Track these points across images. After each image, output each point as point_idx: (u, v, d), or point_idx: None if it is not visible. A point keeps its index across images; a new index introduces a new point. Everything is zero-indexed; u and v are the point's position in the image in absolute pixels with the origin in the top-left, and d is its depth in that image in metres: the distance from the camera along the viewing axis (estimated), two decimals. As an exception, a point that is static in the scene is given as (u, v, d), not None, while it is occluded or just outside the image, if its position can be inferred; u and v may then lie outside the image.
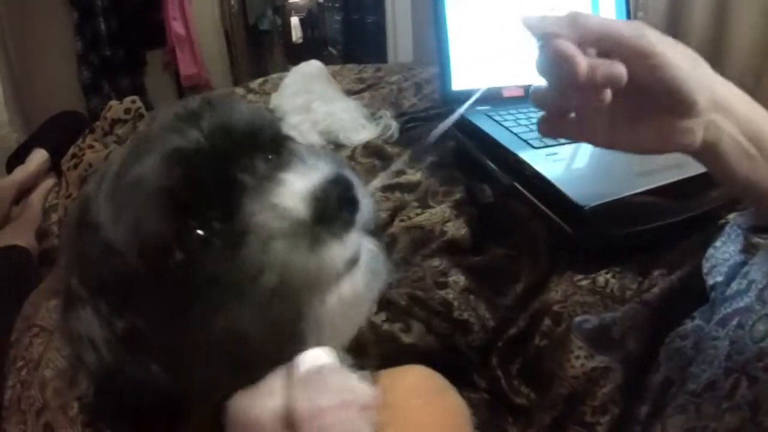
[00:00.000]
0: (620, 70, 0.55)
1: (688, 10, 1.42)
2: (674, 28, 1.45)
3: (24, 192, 1.81)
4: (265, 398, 0.40)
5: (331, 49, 5.01)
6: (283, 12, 5.58)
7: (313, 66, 1.76)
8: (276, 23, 5.33)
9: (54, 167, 1.88)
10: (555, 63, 0.56)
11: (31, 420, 0.90)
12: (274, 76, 1.98)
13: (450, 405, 0.64)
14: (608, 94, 0.57)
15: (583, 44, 0.56)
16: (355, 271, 0.47)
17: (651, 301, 0.79)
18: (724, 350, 0.63)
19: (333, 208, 0.44)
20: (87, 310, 0.47)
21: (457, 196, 1.12)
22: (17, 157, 1.92)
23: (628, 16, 1.40)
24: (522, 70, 1.29)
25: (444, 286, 0.94)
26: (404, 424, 0.56)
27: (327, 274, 0.44)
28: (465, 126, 1.15)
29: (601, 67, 0.55)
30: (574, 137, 0.66)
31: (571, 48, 0.55)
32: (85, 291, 0.48)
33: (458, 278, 0.95)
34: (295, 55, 4.86)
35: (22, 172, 1.83)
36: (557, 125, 0.65)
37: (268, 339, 0.44)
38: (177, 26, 3.60)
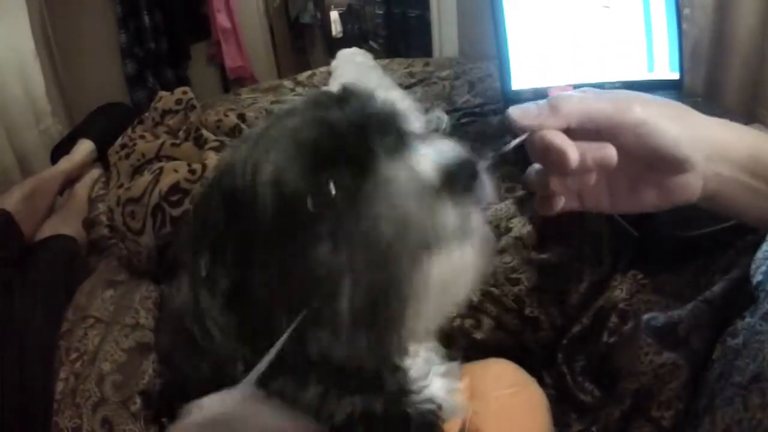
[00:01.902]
0: (610, 153, 0.55)
1: (735, 4, 1.38)
2: (720, 23, 1.41)
3: (69, 182, 1.81)
4: None
5: (372, 43, 4.99)
6: (323, 6, 5.58)
7: (355, 52, 1.73)
8: (317, 17, 5.33)
9: (100, 158, 1.88)
10: (545, 154, 0.55)
11: (87, 414, 0.88)
12: (322, 69, 1.96)
13: (533, 395, 0.71)
14: (593, 175, 0.58)
15: (570, 127, 0.56)
16: (467, 244, 0.49)
17: (713, 300, 0.80)
18: None
19: (459, 181, 0.46)
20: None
21: (520, 192, 1.10)
22: (63, 148, 1.92)
23: (678, 10, 1.37)
24: (576, 68, 1.29)
25: (516, 282, 0.95)
26: (497, 411, 0.62)
27: (442, 236, 0.46)
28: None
29: (589, 152, 0.55)
30: (576, 209, 0.64)
31: (559, 138, 0.54)
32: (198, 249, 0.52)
33: (529, 275, 0.95)
34: (336, 48, 4.85)
35: (67, 162, 1.83)
36: (555, 203, 0.62)
37: (380, 292, 0.46)
38: (222, 19, 3.61)
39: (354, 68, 1.61)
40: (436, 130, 1.35)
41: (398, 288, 0.46)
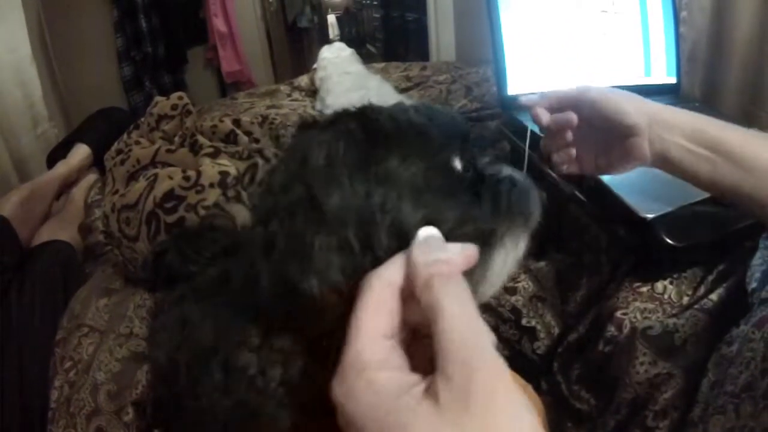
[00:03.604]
0: (570, 116, 0.81)
1: (733, 7, 1.38)
2: (718, 26, 1.41)
3: (66, 187, 1.80)
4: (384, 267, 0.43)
5: (369, 46, 4.99)
6: (320, 10, 5.58)
7: (339, 48, 1.74)
8: (314, 21, 5.33)
9: (96, 163, 1.87)
10: (535, 120, 0.84)
11: (81, 424, 0.88)
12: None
13: (531, 401, 0.67)
14: (569, 134, 0.84)
15: (553, 108, 0.83)
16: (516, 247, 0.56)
17: (710, 308, 0.81)
18: (760, 351, 0.65)
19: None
20: None
21: None
22: (59, 153, 1.92)
23: (675, 13, 1.38)
24: (573, 73, 1.29)
25: (513, 291, 0.94)
26: None
27: (512, 230, 0.54)
28: (521, 130, 1.12)
29: (558, 118, 0.82)
30: (575, 172, 0.88)
31: (539, 112, 0.83)
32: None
33: (527, 284, 0.95)
34: (334, 52, 4.86)
35: (64, 167, 1.82)
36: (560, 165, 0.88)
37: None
38: (219, 23, 3.61)
39: (350, 76, 1.60)
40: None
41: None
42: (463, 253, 0.44)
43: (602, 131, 0.80)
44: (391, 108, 0.56)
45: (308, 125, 0.56)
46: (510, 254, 0.55)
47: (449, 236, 0.46)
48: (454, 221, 0.49)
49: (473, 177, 0.55)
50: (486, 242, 0.52)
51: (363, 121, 0.53)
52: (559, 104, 0.83)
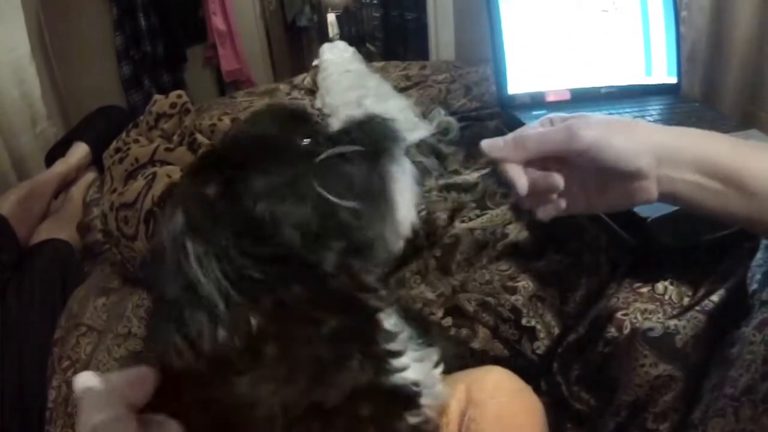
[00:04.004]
0: (555, 181, 0.69)
1: (732, 7, 1.38)
2: (718, 26, 1.41)
3: (65, 185, 1.80)
4: None
5: (369, 45, 4.98)
6: (320, 8, 5.57)
7: (341, 48, 1.74)
8: (313, 20, 5.32)
9: (95, 161, 1.87)
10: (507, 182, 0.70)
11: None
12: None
13: (531, 402, 0.71)
14: (554, 195, 0.72)
15: (529, 162, 0.69)
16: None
17: (711, 310, 0.80)
18: (761, 354, 0.64)
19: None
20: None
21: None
22: (57, 151, 1.91)
23: (676, 13, 1.38)
24: (573, 73, 1.29)
25: (513, 291, 0.94)
26: (494, 418, 0.63)
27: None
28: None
29: (540, 180, 0.69)
30: (563, 213, 0.74)
31: (513, 172, 0.69)
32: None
33: (527, 284, 0.95)
34: (333, 52, 4.85)
35: (63, 165, 1.82)
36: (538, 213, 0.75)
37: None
38: (218, 21, 3.60)
39: (349, 74, 1.60)
40: (445, 133, 1.36)
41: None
42: None
43: (598, 174, 0.68)
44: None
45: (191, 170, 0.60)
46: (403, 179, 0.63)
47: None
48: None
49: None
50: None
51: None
52: (539, 153, 0.68)
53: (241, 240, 0.51)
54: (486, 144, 0.70)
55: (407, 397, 0.57)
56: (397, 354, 0.57)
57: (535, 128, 0.71)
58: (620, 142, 0.65)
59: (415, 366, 0.59)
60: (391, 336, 0.58)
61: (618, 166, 0.65)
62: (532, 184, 0.68)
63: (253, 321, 0.49)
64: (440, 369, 0.64)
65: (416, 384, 0.58)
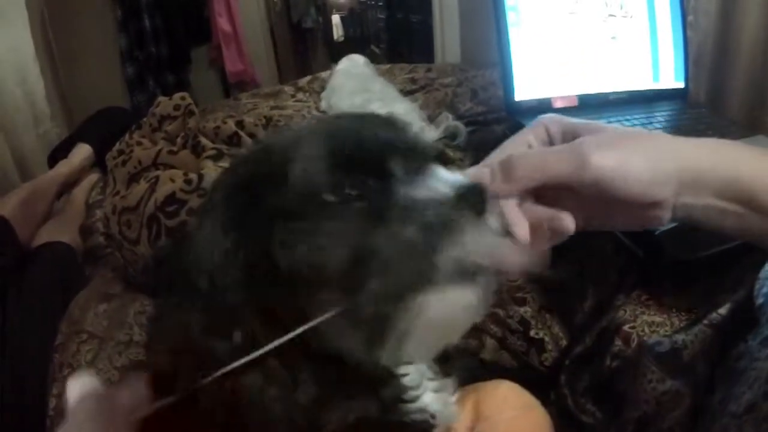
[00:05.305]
0: (566, 225, 0.55)
1: (738, 11, 1.37)
2: (724, 30, 1.40)
3: (67, 187, 1.79)
4: None
5: (374, 47, 4.99)
6: (325, 10, 5.58)
7: (357, 61, 1.73)
8: (318, 21, 5.32)
9: (98, 163, 1.86)
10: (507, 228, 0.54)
11: (79, 432, 0.86)
12: (323, 74, 1.94)
13: (539, 416, 0.68)
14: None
15: (531, 190, 0.57)
16: (473, 285, 0.46)
17: (718, 323, 0.77)
18: (765, 371, 0.60)
19: (473, 204, 0.45)
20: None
21: None
22: (60, 152, 1.91)
23: (683, 18, 1.36)
24: (580, 78, 1.28)
25: (523, 302, 0.93)
26: None
27: (448, 267, 0.44)
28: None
29: (545, 221, 0.55)
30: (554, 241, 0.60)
31: (510, 216, 0.53)
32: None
33: (536, 295, 0.94)
34: (338, 53, 4.84)
35: (66, 167, 1.82)
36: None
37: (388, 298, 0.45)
38: (223, 22, 3.60)
39: (353, 78, 1.59)
40: (452, 138, 1.35)
41: (402, 303, 0.44)
42: None
43: (605, 200, 0.57)
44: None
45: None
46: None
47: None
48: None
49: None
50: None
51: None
52: (537, 184, 0.56)
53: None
54: (471, 173, 0.57)
55: (421, 429, 0.56)
56: (411, 400, 0.55)
57: (527, 149, 0.61)
58: (640, 170, 0.55)
59: (432, 397, 0.57)
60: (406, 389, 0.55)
61: (635, 198, 0.56)
62: (533, 227, 0.55)
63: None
64: (468, 405, 0.62)
65: (434, 416, 0.56)
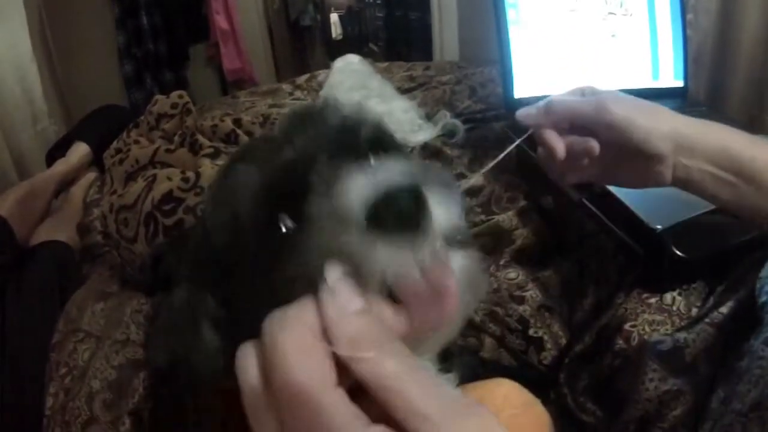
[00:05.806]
0: (592, 146, 0.72)
1: (738, 10, 1.37)
2: (724, 28, 1.40)
3: (64, 185, 1.79)
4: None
5: (372, 45, 4.98)
6: (323, 8, 5.57)
7: (351, 60, 1.73)
8: (316, 19, 5.32)
9: (96, 161, 1.86)
10: (544, 147, 0.76)
11: (77, 432, 0.86)
12: (321, 72, 1.94)
13: (539, 415, 0.69)
14: (585, 159, 0.75)
15: (560, 127, 0.75)
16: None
17: (720, 322, 0.79)
18: None
19: (395, 216, 0.39)
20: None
21: (522, 203, 1.08)
22: (57, 150, 1.90)
23: (683, 16, 1.35)
24: (580, 76, 1.27)
25: (522, 300, 0.93)
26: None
27: (376, 278, 0.39)
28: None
29: (576, 144, 0.74)
30: (577, 181, 0.84)
31: (550, 137, 0.75)
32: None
33: (535, 293, 0.94)
34: (336, 51, 4.84)
35: (64, 165, 1.81)
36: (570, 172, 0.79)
37: None
38: (221, 20, 3.59)
39: (351, 75, 1.59)
40: (450, 136, 1.35)
41: None
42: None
43: (618, 150, 0.72)
44: None
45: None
46: None
47: None
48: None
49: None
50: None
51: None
52: (569, 120, 0.74)
53: None
54: (521, 111, 0.78)
55: None
56: None
57: (566, 97, 0.77)
58: (646, 123, 0.70)
59: None
60: None
61: (641, 145, 0.70)
62: (569, 148, 0.74)
63: None
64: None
65: None
